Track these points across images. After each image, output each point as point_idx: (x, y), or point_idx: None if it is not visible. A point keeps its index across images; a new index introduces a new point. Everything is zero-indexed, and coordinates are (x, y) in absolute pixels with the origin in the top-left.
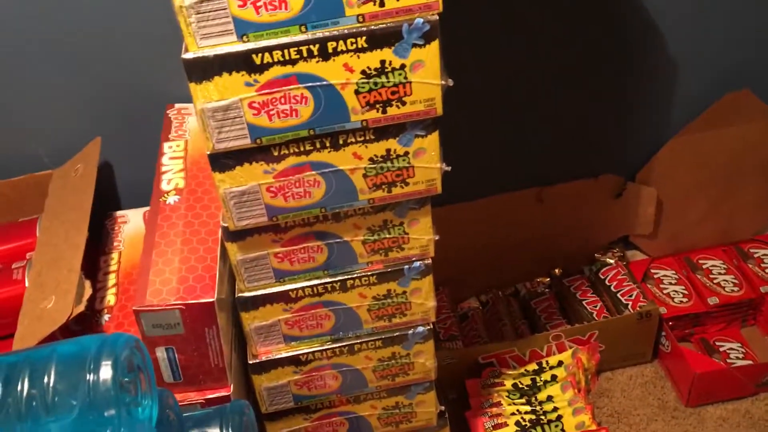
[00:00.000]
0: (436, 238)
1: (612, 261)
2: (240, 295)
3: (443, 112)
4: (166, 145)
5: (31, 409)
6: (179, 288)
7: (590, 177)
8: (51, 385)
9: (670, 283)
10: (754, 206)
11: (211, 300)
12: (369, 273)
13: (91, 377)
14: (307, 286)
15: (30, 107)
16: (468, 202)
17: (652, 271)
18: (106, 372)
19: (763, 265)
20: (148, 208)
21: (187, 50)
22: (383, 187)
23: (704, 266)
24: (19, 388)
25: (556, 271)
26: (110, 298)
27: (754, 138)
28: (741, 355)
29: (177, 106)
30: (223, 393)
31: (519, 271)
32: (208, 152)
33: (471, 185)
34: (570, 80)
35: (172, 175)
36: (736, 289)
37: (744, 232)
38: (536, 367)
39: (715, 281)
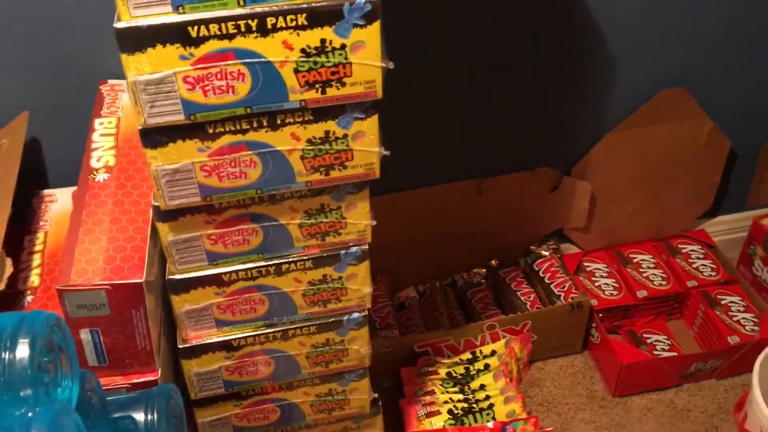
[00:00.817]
0: (374, 223)
1: (546, 253)
2: (170, 277)
3: (384, 99)
4: (97, 122)
5: None
6: (106, 268)
7: (528, 170)
8: None
9: (602, 276)
10: (684, 203)
11: (139, 281)
12: (305, 257)
13: (6, 355)
14: (241, 270)
15: None
16: (408, 191)
17: (585, 264)
18: (23, 350)
19: (690, 260)
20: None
21: (119, 19)
22: (321, 169)
23: (634, 260)
24: None
25: (493, 262)
26: (34, 279)
27: (686, 136)
28: (667, 347)
29: (110, 82)
30: (150, 378)
31: (457, 262)
32: (140, 127)
33: (411, 175)
34: (510, 73)
35: (102, 153)
36: (664, 283)
37: (673, 228)
38: (470, 356)
39: (644, 275)
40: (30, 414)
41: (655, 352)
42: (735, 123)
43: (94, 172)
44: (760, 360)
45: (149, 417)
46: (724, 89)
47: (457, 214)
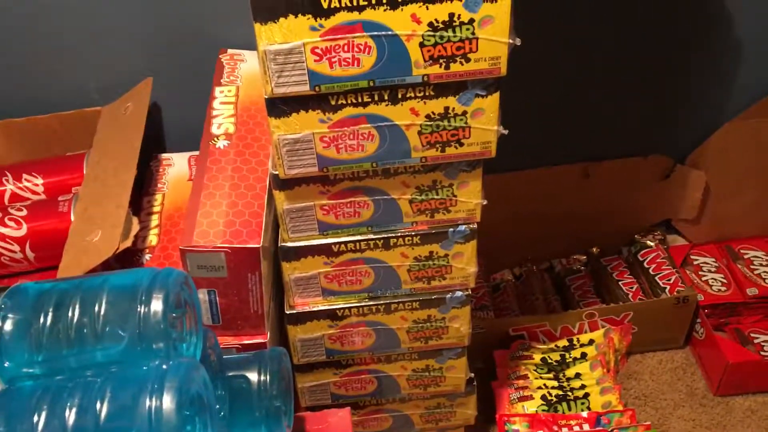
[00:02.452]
0: (484, 203)
1: (652, 244)
2: (283, 244)
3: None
4: (217, 90)
5: (81, 335)
6: (226, 231)
7: (640, 156)
8: (102, 313)
9: (710, 271)
10: None
11: (256, 246)
12: (413, 233)
13: (142, 309)
14: (350, 241)
15: (83, 42)
16: (512, 172)
17: (692, 257)
18: (157, 305)
19: None
20: (193, 153)
21: None
22: (437, 146)
23: (746, 256)
24: (69, 314)
25: (594, 249)
26: (152, 239)
27: None
28: None
29: (230, 51)
30: (259, 340)
31: (556, 247)
32: (266, 96)
33: (517, 156)
34: (628, 57)
35: (222, 120)
36: None
37: None
38: (567, 344)
39: (755, 272)
40: (164, 366)
41: (763, 353)
42: None
43: (215, 139)
44: None
45: (262, 378)
46: None
47: (561, 197)
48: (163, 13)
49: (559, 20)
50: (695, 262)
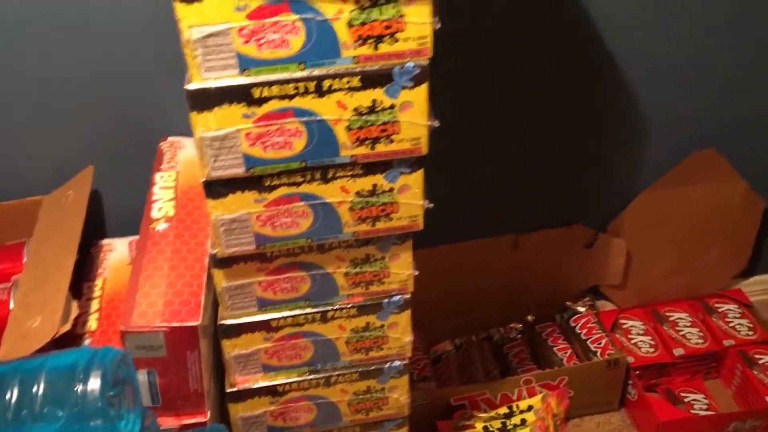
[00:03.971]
0: (416, 273)
1: (583, 309)
2: (222, 322)
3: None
4: (158, 175)
5: (19, 417)
6: (164, 311)
7: (564, 226)
8: (40, 394)
9: (638, 334)
10: (719, 263)
11: (195, 324)
12: (349, 305)
13: (80, 387)
14: (288, 316)
15: (25, 131)
16: (445, 245)
17: (621, 321)
18: (94, 383)
19: (726, 319)
20: (134, 238)
21: (190, 81)
22: (368, 220)
23: (671, 318)
24: (8, 396)
25: (529, 317)
26: (92, 323)
27: (719, 197)
28: (704, 407)
29: (170, 139)
30: (199, 419)
31: (493, 317)
32: (203, 179)
33: (448, 230)
34: (548, 132)
35: (162, 204)
36: (700, 341)
37: (709, 287)
38: (507, 411)
39: (680, 333)
40: None
41: (693, 411)
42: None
43: (155, 222)
44: None
45: None
46: (756, 150)
47: (493, 269)
48: (105, 103)
49: (482, 98)
50: (624, 326)
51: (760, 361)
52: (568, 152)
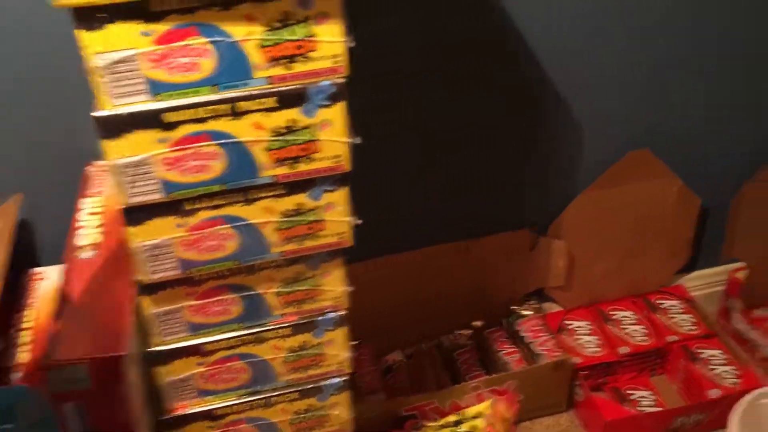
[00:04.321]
0: (350, 289)
1: (528, 313)
2: (152, 349)
3: (366, 167)
4: (84, 201)
5: None
6: (89, 342)
7: (507, 231)
8: None
9: (584, 334)
10: (660, 259)
11: (119, 354)
12: (283, 325)
13: None
14: (222, 339)
15: None
16: (391, 255)
17: (567, 322)
18: (8, 424)
19: (669, 315)
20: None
21: (99, 108)
22: (295, 240)
23: (615, 317)
24: None
25: (477, 323)
26: (23, 355)
27: (656, 195)
28: (651, 403)
29: (97, 163)
30: None
31: (443, 324)
32: (122, 206)
33: (395, 239)
34: (487, 138)
35: (89, 231)
36: (645, 338)
37: (652, 284)
38: (456, 419)
39: (625, 331)
40: None
41: (640, 408)
42: (703, 180)
43: (80, 250)
44: (739, 414)
45: None
46: (689, 148)
47: (440, 276)
48: (32, 130)
49: (418, 108)
50: (570, 327)
51: (702, 356)
52: (505, 158)
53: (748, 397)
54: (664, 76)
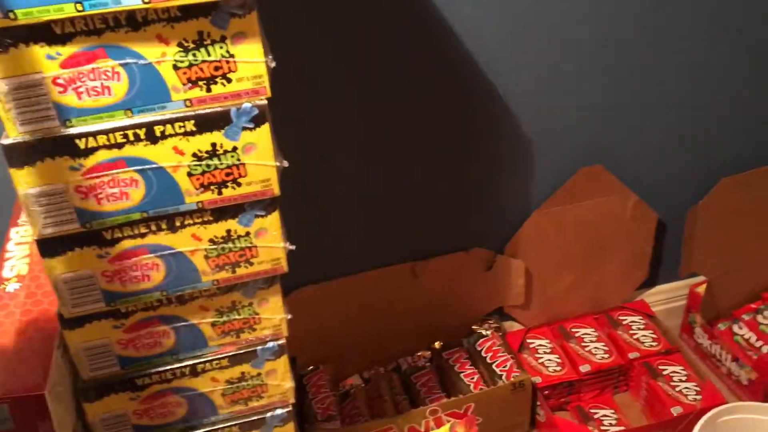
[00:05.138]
0: (289, 317)
1: (488, 332)
2: (81, 385)
3: (309, 188)
4: (12, 231)
5: None
6: (8, 380)
7: (462, 250)
8: None
9: (545, 353)
10: (620, 275)
11: (41, 392)
12: (220, 356)
13: None
14: (154, 373)
15: None
16: (344, 277)
17: (528, 341)
18: None
19: (631, 331)
20: None
21: (6, 135)
22: (227, 267)
23: (576, 334)
24: None
25: (436, 344)
26: None
27: (612, 210)
28: (614, 422)
29: None
30: None
31: (401, 346)
32: (35, 238)
33: (347, 261)
34: (432, 157)
35: (15, 262)
36: (606, 356)
37: (612, 300)
38: None
39: (586, 349)
40: None
41: (603, 428)
42: (659, 194)
43: (5, 282)
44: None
45: None
46: (643, 163)
47: (396, 297)
48: None
49: (362, 126)
50: (531, 346)
51: (664, 372)
52: (455, 177)
53: (708, 415)
54: (615, 91)
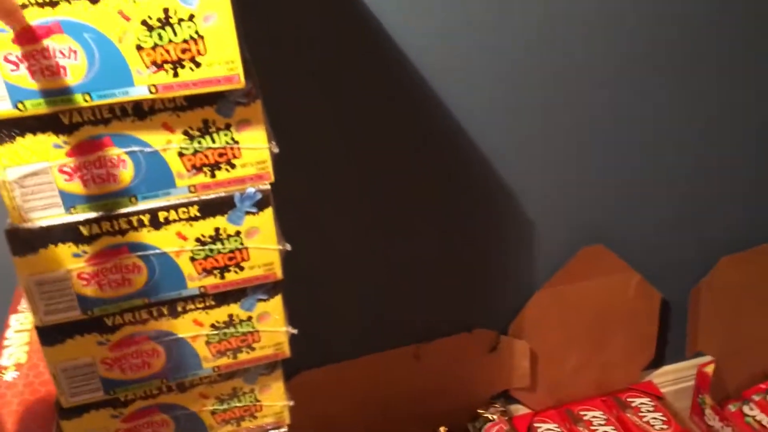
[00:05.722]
0: (291, 404)
1: (494, 417)
2: None
3: (310, 270)
4: (12, 318)
5: None
6: None
7: (465, 332)
8: None
9: None
10: (626, 355)
11: None
12: None
13: None
14: None
15: None
16: (345, 361)
17: (536, 425)
18: None
19: (640, 414)
20: None
21: (11, 222)
22: (228, 353)
23: (585, 418)
24: None
25: (441, 429)
26: None
27: (615, 290)
28: None
29: None
30: None
31: (406, 431)
32: (37, 326)
33: (348, 345)
34: (436, 239)
35: (14, 349)
36: None
37: (620, 381)
38: None
39: None
40: None
41: None
42: (661, 273)
43: (3, 371)
44: None
45: None
46: (643, 242)
47: (398, 380)
48: None
49: (365, 215)
50: (539, 429)
51: None
52: (457, 259)
53: None
54: (615, 172)
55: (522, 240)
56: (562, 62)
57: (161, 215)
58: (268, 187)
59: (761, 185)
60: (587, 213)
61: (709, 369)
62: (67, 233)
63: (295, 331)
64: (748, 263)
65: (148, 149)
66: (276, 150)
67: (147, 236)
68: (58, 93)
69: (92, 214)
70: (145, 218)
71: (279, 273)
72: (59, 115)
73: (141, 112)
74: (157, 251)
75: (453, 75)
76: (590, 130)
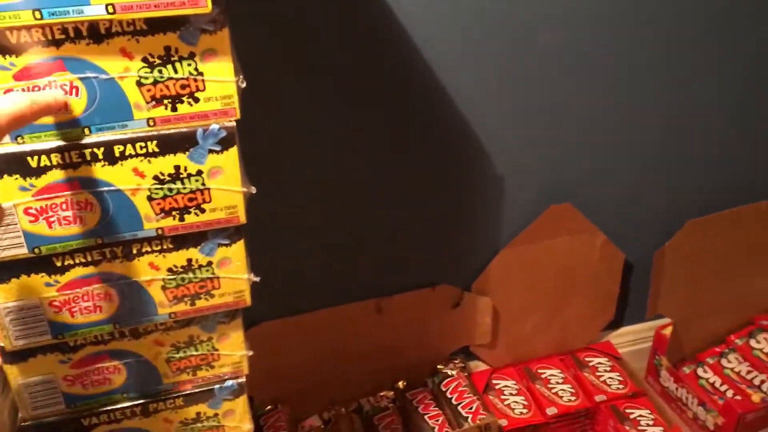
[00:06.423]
0: (250, 353)
1: (453, 372)
2: (22, 424)
3: (276, 221)
4: None
5: None
6: None
7: (428, 287)
8: None
9: (511, 394)
10: (586, 315)
11: None
12: (175, 395)
13: None
14: (102, 412)
15: None
16: (306, 313)
17: (494, 381)
18: None
19: (597, 373)
20: None
21: None
22: (186, 299)
23: (543, 376)
24: None
25: (400, 384)
26: None
27: (579, 249)
28: None
29: None
30: None
31: (363, 385)
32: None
33: (309, 297)
34: (402, 193)
35: None
36: (573, 398)
37: (578, 341)
38: None
39: (553, 391)
40: None
41: None
42: (625, 235)
43: None
44: None
45: None
46: (610, 203)
47: (358, 335)
48: None
49: (330, 162)
50: (497, 387)
51: (631, 416)
52: (424, 213)
53: None
54: (586, 131)
55: (491, 197)
56: (534, 17)
57: (117, 149)
58: (234, 124)
59: (732, 149)
60: (557, 171)
61: (667, 331)
62: (13, 164)
63: (257, 279)
64: (713, 228)
65: (103, 76)
66: (243, 85)
67: (101, 171)
68: (6, 7)
69: (41, 145)
70: (99, 152)
71: (242, 217)
72: (6, 34)
73: (97, 35)
74: (112, 188)
75: (426, 27)
76: (563, 89)
